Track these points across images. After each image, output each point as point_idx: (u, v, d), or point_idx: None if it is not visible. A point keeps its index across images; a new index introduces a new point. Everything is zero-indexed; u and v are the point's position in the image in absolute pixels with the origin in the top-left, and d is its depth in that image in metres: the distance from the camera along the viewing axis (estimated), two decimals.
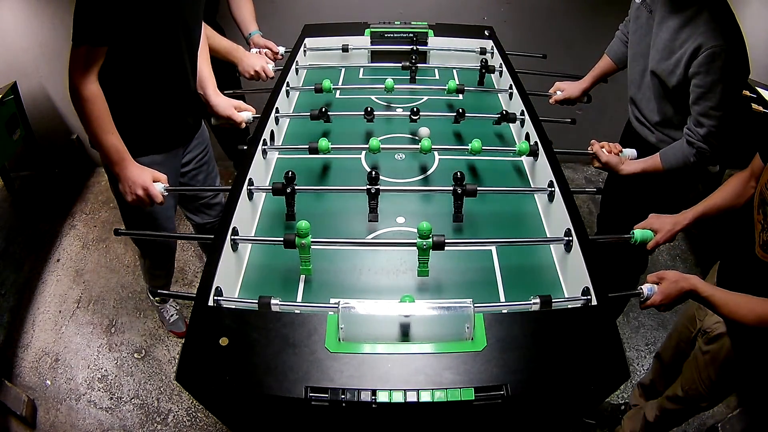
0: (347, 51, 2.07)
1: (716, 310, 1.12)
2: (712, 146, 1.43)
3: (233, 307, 1.03)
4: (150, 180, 1.41)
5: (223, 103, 1.67)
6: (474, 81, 1.94)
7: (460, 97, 1.85)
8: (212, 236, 1.15)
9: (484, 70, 1.75)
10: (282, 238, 1.12)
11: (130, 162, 1.41)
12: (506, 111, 1.65)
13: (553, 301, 1.07)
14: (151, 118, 1.51)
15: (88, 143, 1.49)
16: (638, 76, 1.62)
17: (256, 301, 1.04)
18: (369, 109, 1.61)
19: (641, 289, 1.14)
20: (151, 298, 2.24)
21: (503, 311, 1.02)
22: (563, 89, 1.95)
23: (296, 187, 1.29)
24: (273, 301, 1.02)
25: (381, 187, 1.30)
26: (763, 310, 1.05)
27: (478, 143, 1.45)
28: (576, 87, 1.93)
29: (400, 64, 1.93)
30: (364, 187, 1.30)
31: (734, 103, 1.41)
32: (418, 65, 1.93)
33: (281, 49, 2.11)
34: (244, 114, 1.68)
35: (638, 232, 1.31)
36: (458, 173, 1.29)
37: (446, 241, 1.10)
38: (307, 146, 1.44)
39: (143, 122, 1.49)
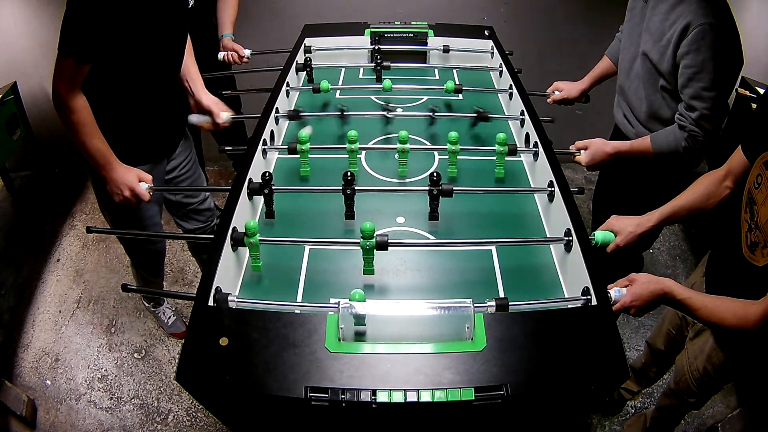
0: (310, 51, 2.06)
1: (694, 313, 1.06)
2: (705, 131, 1.39)
3: (233, 307, 1.03)
4: (136, 180, 1.45)
5: (208, 99, 1.69)
6: (474, 82, 1.93)
7: (460, 97, 1.85)
8: (212, 236, 1.15)
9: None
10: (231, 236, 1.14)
11: (116, 164, 1.44)
12: (479, 110, 1.64)
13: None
14: (135, 132, 1.53)
15: None
16: (628, 63, 1.61)
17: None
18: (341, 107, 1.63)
19: (609, 293, 1.06)
20: (146, 304, 2.25)
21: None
22: (562, 89, 1.95)
23: (273, 188, 1.31)
24: (230, 299, 1.02)
25: (358, 188, 1.30)
26: (745, 313, 0.99)
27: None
28: (574, 87, 1.93)
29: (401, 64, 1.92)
30: (339, 188, 1.29)
31: (727, 84, 1.36)
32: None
33: (247, 52, 2.16)
34: (224, 114, 1.70)
35: (599, 234, 1.23)
36: (434, 174, 1.28)
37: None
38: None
39: (127, 135, 1.51)
